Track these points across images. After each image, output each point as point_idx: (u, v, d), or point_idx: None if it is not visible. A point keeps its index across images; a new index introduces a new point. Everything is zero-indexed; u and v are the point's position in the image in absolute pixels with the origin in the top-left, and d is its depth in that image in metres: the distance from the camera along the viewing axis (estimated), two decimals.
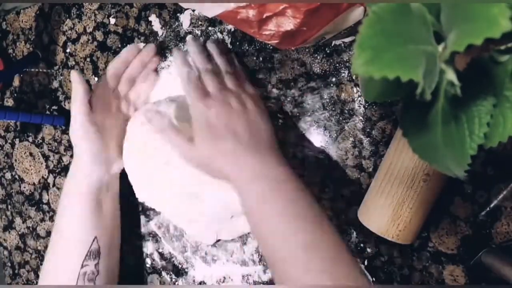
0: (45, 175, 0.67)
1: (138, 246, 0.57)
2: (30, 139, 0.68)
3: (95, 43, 0.58)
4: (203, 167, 0.41)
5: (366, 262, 0.44)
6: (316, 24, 0.34)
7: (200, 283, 0.53)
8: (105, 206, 0.49)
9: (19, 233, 0.72)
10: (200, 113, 0.40)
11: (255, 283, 0.50)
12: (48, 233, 0.68)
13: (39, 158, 0.67)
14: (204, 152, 0.40)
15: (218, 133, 0.39)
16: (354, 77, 0.43)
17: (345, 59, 0.44)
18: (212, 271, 0.52)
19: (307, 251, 0.34)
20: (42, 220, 0.68)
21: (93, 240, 0.47)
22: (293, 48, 0.45)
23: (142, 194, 0.49)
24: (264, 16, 0.33)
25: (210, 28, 0.49)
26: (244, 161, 0.38)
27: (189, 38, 0.47)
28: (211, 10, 0.36)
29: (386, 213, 0.38)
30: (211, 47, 0.46)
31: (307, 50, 0.45)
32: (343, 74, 0.44)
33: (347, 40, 0.42)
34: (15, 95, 0.68)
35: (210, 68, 0.43)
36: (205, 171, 0.41)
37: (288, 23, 0.33)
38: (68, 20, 0.61)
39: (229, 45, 0.49)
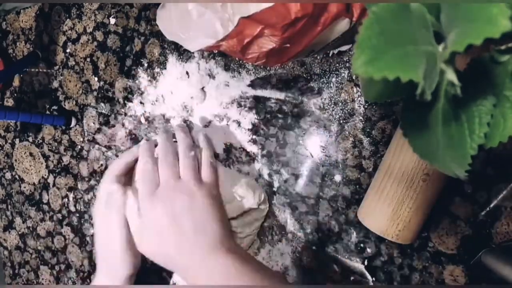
0: (45, 175, 0.67)
1: None
2: (30, 139, 0.68)
3: (95, 43, 0.58)
4: (150, 256, 0.42)
5: (366, 262, 0.44)
6: (300, 40, 0.34)
7: None
8: None
9: (19, 233, 0.72)
10: (146, 206, 0.41)
11: None
12: (48, 233, 0.68)
13: (39, 158, 0.67)
14: (150, 244, 0.41)
15: (163, 227, 0.40)
16: (354, 77, 0.43)
17: (345, 60, 0.44)
18: None
19: None
20: (42, 220, 0.68)
21: None
22: (278, 65, 0.45)
23: None
24: (245, 43, 0.34)
25: None
26: (188, 256, 0.39)
27: (160, 130, 0.47)
28: (193, 45, 0.37)
29: (386, 213, 0.38)
30: (177, 132, 0.47)
31: None
32: (343, 74, 0.44)
33: (336, 50, 0.43)
34: (15, 95, 0.68)
35: (169, 158, 0.43)
36: (152, 259, 0.42)
37: (269, 43, 0.34)
38: (68, 20, 0.61)
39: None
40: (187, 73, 0.52)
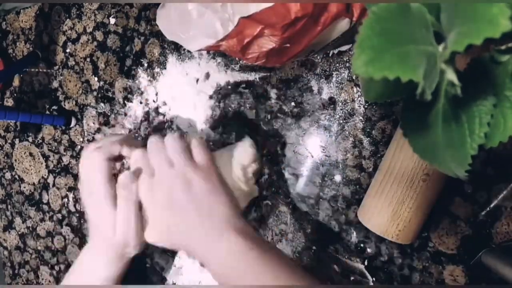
0: (45, 175, 0.67)
1: None
2: (30, 139, 0.68)
3: (95, 43, 0.58)
4: (159, 244, 0.41)
5: (366, 262, 0.44)
6: (300, 40, 0.34)
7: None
8: None
9: (19, 233, 0.72)
10: (147, 197, 0.40)
11: None
12: (48, 233, 0.68)
13: (39, 158, 0.67)
14: (157, 231, 0.40)
15: (166, 214, 0.39)
16: (354, 77, 0.43)
17: (345, 60, 0.44)
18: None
19: None
20: (42, 220, 0.68)
21: None
22: (278, 65, 0.45)
23: None
24: (245, 42, 0.34)
25: None
26: (197, 240, 0.38)
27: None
28: (193, 45, 0.37)
29: (386, 213, 0.38)
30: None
31: None
32: (343, 74, 0.44)
33: (336, 50, 0.43)
34: (15, 95, 0.68)
35: (158, 145, 0.41)
36: (163, 246, 0.41)
37: (269, 43, 0.34)
38: (68, 20, 0.61)
39: None
40: (187, 73, 0.52)
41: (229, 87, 0.50)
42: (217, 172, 0.42)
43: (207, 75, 0.51)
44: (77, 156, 0.63)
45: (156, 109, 0.55)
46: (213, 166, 0.41)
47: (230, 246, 0.37)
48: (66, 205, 0.65)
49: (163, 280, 0.56)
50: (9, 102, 0.69)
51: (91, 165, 0.42)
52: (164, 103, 0.54)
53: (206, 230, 0.38)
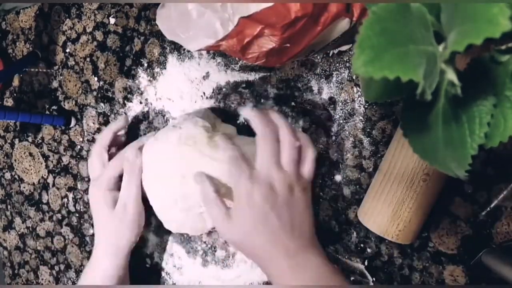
0: (44, 175, 0.67)
1: (139, 246, 0.57)
2: (30, 139, 0.68)
3: (95, 43, 0.58)
4: (236, 243, 0.40)
5: (366, 262, 0.44)
6: (300, 40, 0.34)
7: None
8: None
9: (19, 233, 0.72)
10: (244, 191, 0.38)
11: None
12: (48, 233, 0.68)
13: (38, 158, 0.67)
14: (241, 230, 0.38)
15: (260, 214, 0.37)
16: (354, 77, 0.43)
17: (345, 60, 0.44)
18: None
19: None
20: (42, 220, 0.68)
21: None
22: (278, 65, 0.45)
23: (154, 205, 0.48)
24: (245, 42, 0.34)
25: None
26: (282, 249, 0.37)
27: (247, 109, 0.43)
28: (193, 45, 0.37)
29: (386, 213, 0.38)
30: (274, 116, 0.41)
31: None
32: (343, 74, 0.44)
33: (336, 50, 0.43)
34: (15, 95, 0.68)
35: (273, 141, 0.39)
36: (236, 247, 0.42)
37: (269, 42, 0.34)
38: (68, 20, 0.61)
39: None
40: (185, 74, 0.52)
41: (229, 87, 0.50)
42: (312, 190, 0.41)
43: (207, 75, 0.51)
44: (77, 156, 0.63)
45: (156, 109, 0.55)
46: (313, 183, 0.41)
47: (311, 262, 0.37)
48: (66, 205, 0.65)
49: (163, 280, 0.56)
50: (9, 102, 0.69)
51: (96, 202, 0.50)
52: (164, 103, 0.54)
53: (295, 240, 0.37)
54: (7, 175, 0.72)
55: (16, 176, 0.71)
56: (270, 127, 0.40)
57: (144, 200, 0.48)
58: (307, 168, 0.40)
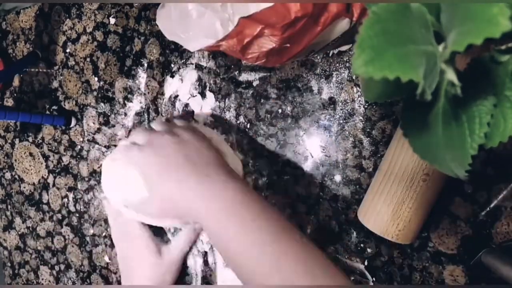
0: (45, 175, 0.67)
1: None
2: (30, 139, 0.68)
3: (95, 43, 0.58)
4: (168, 211, 0.41)
5: (366, 262, 0.44)
6: (300, 40, 0.34)
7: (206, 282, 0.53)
8: None
9: (19, 233, 0.72)
10: (139, 162, 0.40)
11: None
12: (48, 233, 0.68)
13: (39, 158, 0.67)
14: (161, 195, 0.40)
15: (163, 170, 0.39)
16: (354, 77, 0.43)
17: (345, 60, 0.44)
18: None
19: (276, 260, 0.33)
20: (42, 220, 0.68)
21: None
22: (278, 65, 0.45)
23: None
24: (245, 42, 0.34)
25: None
26: (196, 188, 0.38)
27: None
28: (193, 45, 0.37)
29: (386, 213, 0.38)
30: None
31: None
32: (343, 74, 0.44)
33: (336, 50, 0.43)
34: (15, 95, 0.68)
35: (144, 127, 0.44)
36: (171, 215, 0.41)
37: (269, 42, 0.34)
38: (68, 20, 0.61)
39: None
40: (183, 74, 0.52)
41: (229, 87, 0.50)
42: (199, 130, 0.44)
43: (207, 75, 0.51)
44: (77, 156, 0.63)
45: (156, 109, 0.55)
46: (195, 126, 0.44)
47: (218, 189, 0.37)
48: (66, 205, 0.65)
49: None
50: (9, 102, 0.69)
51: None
52: (164, 103, 0.54)
53: (194, 173, 0.38)
54: (7, 175, 0.72)
55: (16, 176, 0.71)
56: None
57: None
58: (180, 122, 0.45)
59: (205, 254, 0.53)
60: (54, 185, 0.66)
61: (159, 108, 0.55)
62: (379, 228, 0.38)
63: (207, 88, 0.51)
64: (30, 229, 0.70)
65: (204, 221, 0.38)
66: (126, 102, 0.57)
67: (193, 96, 0.52)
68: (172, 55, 0.53)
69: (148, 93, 0.55)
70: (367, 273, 0.44)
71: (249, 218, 0.36)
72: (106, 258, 0.62)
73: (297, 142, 0.47)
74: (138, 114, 0.56)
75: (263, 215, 0.36)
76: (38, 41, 0.64)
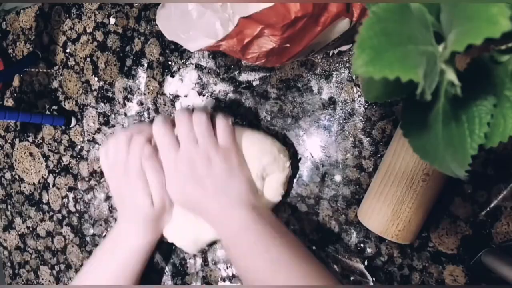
0: (45, 175, 0.67)
1: None
2: (30, 139, 0.68)
3: (95, 43, 0.58)
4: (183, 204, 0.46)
5: (366, 262, 0.44)
6: (300, 40, 0.34)
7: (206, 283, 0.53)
8: None
9: (19, 233, 0.72)
10: (168, 168, 0.44)
11: None
12: (48, 233, 0.68)
13: (39, 158, 0.67)
14: (174, 197, 0.45)
15: (188, 195, 0.43)
16: (354, 77, 0.43)
17: (345, 60, 0.44)
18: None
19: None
20: (42, 220, 0.68)
21: None
22: (278, 65, 0.45)
23: None
24: (245, 42, 0.34)
25: None
26: (212, 212, 0.43)
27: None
28: (193, 45, 0.37)
29: (386, 213, 0.38)
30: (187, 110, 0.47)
31: None
32: (343, 74, 0.44)
33: (336, 50, 0.43)
34: (15, 95, 0.68)
35: (185, 122, 0.44)
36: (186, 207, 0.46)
37: (269, 43, 0.34)
38: (68, 20, 0.61)
39: None
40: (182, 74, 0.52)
41: (229, 87, 0.50)
42: (237, 153, 0.44)
43: (207, 75, 0.51)
44: (77, 156, 0.63)
45: (156, 109, 0.55)
46: (234, 147, 0.44)
47: (241, 219, 0.41)
48: (66, 205, 0.65)
49: (163, 280, 0.56)
50: (9, 102, 0.69)
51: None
52: (164, 103, 0.54)
53: (221, 205, 0.42)
54: (8, 175, 0.72)
55: (16, 176, 0.71)
56: (184, 113, 0.44)
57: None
58: (221, 136, 0.44)
59: (205, 254, 0.53)
60: (54, 185, 0.66)
61: (159, 108, 0.55)
62: (379, 228, 0.39)
63: (207, 88, 0.51)
64: (30, 229, 0.70)
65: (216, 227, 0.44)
66: (126, 102, 0.57)
67: (193, 96, 0.52)
68: (172, 55, 0.53)
69: (148, 93, 0.55)
70: (367, 273, 0.44)
71: (261, 249, 0.39)
72: None
73: (297, 142, 0.47)
74: (138, 114, 0.56)
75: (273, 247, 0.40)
76: (38, 41, 0.64)
